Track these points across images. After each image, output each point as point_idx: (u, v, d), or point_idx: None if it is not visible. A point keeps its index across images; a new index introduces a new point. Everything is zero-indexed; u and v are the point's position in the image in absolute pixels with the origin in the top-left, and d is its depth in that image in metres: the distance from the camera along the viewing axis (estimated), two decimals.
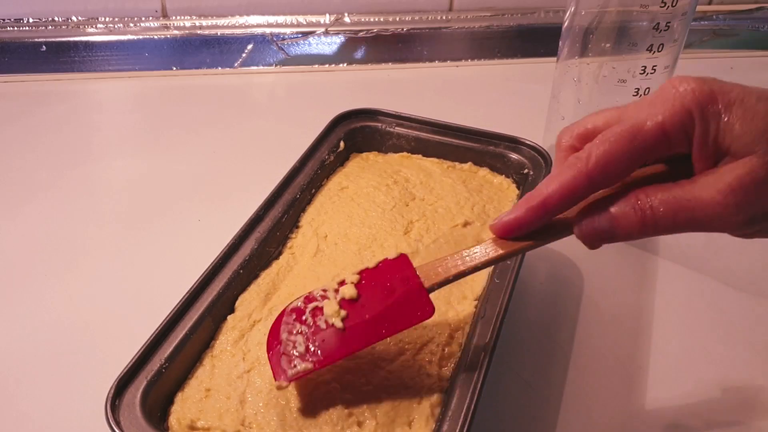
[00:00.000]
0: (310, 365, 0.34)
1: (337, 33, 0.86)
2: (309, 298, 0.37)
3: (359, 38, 0.86)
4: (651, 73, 0.51)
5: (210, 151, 0.69)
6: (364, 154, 0.58)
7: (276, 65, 0.85)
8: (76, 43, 0.82)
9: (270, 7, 0.86)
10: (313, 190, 0.53)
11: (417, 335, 0.40)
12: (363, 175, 0.55)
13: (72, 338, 0.48)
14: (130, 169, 0.67)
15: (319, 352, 0.34)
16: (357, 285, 0.36)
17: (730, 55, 0.89)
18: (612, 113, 0.33)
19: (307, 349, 0.35)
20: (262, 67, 0.85)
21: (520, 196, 0.53)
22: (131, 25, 0.84)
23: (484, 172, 0.56)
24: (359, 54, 0.87)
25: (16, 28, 0.82)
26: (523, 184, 0.53)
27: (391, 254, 0.37)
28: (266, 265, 0.47)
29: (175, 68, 0.84)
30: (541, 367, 0.47)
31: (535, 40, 0.89)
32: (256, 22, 0.85)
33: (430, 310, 0.35)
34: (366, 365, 0.39)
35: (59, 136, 0.72)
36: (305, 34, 0.86)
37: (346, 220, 0.50)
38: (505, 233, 0.34)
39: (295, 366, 0.34)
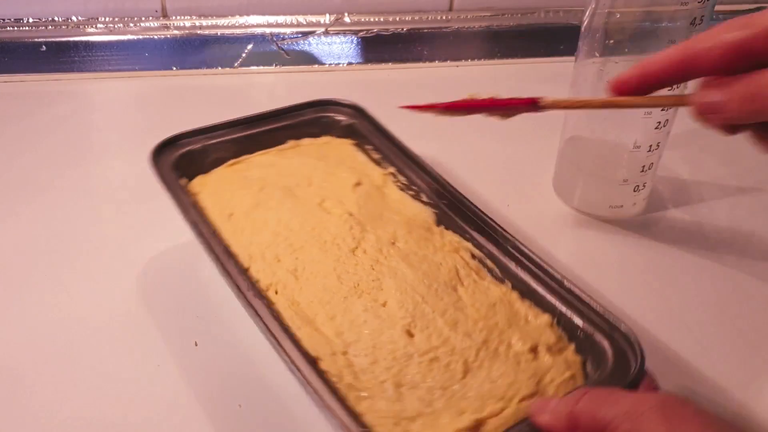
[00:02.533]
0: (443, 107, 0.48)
1: (337, 33, 0.86)
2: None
3: (359, 38, 0.86)
4: None
5: None
6: (196, 182, 0.53)
7: (276, 65, 0.85)
8: (76, 43, 0.82)
9: (270, 7, 0.86)
10: (217, 234, 0.48)
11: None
12: (224, 197, 0.51)
13: (72, 337, 0.48)
14: (130, 169, 0.67)
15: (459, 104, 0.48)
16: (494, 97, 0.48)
17: None
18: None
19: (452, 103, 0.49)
20: (262, 67, 0.85)
21: (359, 147, 0.57)
22: (131, 25, 0.84)
23: (307, 141, 0.57)
24: (359, 54, 0.87)
25: (15, 28, 0.82)
26: (353, 134, 0.57)
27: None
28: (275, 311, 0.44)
29: (175, 68, 0.84)
30: None
31: (535, 40, 0.89)
32: (256, 22, 0.85)
33: (528, 103, 0.45)
34: None
35: (59, 136, 0.72)
36: (305, 34, 0.86)
37: (273, 236, 0.48)
38: (616, 91, 0.38)
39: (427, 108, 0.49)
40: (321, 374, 0.38)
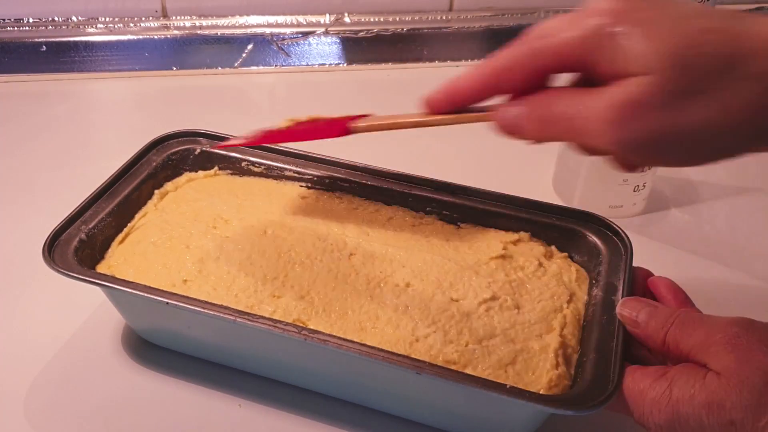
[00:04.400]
0: (243, 141, 0.47)
1: (337, 33, 0.86)
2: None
3: (359, 38, 0.86)
4: None
5: None
6: (101, 270, 0.47)
7: (276, 65, 0.85)
8: (76, 43, 0.82)
9: (270, 7, 0.86)
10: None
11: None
12: (157, 269, 0.46)
13: (65, 338, 0.48)
14: None
15: (259, 136, 0.46)
16: (312, 119, 0.45)
17: None
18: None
19: (257, 135, 0.46)
20: (262, 67, 0.85)
21: (225, 168, 0.55)
22: (131, 25, 0.84)
23: (170, 185, 0.53)
24: (359, 54, 0.87)
25: (16, 28, 0.82)
26: (213, 159, 0.55)
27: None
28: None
29: (175, 68, 0.84)
30: None
31: None
32: (256, 22, 0.85)
33: (340, 131, 0.42)
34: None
35: (59, 136, 0.72)
36: (305, 34, 0.86)
37: (251, 276, 0.45)
38: (427, 109, 0.39)
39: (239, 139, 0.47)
40: (431, 366, 0.38)
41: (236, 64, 0.85)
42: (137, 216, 0.50)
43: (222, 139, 0.54)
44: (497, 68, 0.34)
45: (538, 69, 0.33)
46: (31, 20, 0.82)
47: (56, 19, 0.83)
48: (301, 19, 0.86)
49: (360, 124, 0.41)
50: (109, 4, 0.83)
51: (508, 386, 0.37)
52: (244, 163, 0.54)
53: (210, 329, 0.44)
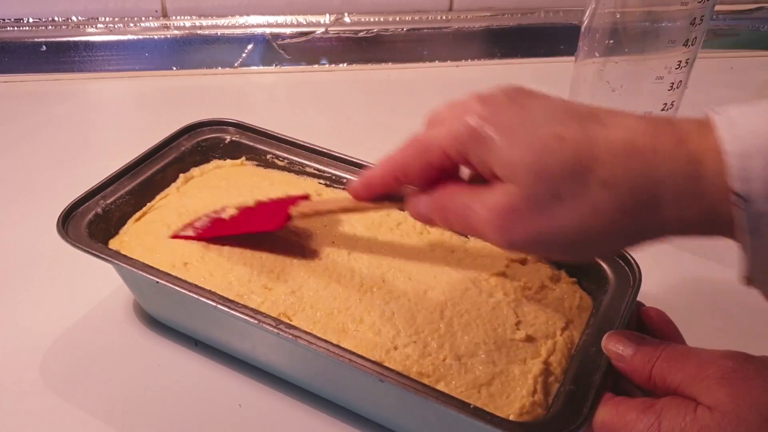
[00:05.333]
0: (192, 233, 0.47)
1: (337, 33, 0.86)
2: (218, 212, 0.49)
3: (359, 38, 0.86)
4: (684, 66, 0.51)
5: None
6: (113, 245, 0.48)
7: (276, 65, 0.85)
8: (76, 43, 0.82)
9: (270, 7, 0.86)
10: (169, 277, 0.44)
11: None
12: (162, 249, 0.47)
13: (65, 338, 0.48)
14: None
15: (204, 226, 0.47)
16: (258, 203, 0.48)
17: (729, 54, 0.89)
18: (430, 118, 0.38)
19: (201, 225, 0.48)
20: (262, 67, 0.85)
21: (253, 160, 0.56)
22: (131, 25, 0.84)
23: (197, 171, 0.55)
24: (359, 54, 0.87)
25: (16, 28, 0.82)
26: (241, 150, 0.56)
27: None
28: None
29: (175, 68, 0.84)
30: None
31: (535, 40, 0.89)
32: (256, 22, 0.85)
33: (280, 222, 0.44)
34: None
35: (59, 136, 0.72)
36: (305, 34, 0.86)
37: (251, 270, 0.45)
38: (353, 195, 0.40)
39: (185, 230, 0.47)
40: (396, 374, 0.37)
41: (236, 64, 0.85)
42: (158, 197, 0.52)
43: (253, 131, 0.57)
44: (396, 164, 0.36)
45: (429, 164, 0.35)
46: (31, 20, 0.82)
47: (56, 19, 0.83)
48: (301, 19, 0.86)
49: (298, 211, 0.44)
50: (109, 4, 0.83)
51: (471, 406, 0.36)
52: (269, 156, 0.56)
53: (198, 314, 0.45)
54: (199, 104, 0.78)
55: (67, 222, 0.46)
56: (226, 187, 0.53)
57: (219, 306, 0.40)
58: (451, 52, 0.88)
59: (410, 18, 0.88)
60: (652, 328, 0.41)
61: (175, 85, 0.82)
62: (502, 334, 0.42)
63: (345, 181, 0.53)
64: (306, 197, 0.44)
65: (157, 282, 0.42)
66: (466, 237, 0.49)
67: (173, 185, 0.53)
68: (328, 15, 0.86)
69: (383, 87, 0.83)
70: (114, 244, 0.48)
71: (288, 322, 0.41)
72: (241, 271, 0.45)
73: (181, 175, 0.54)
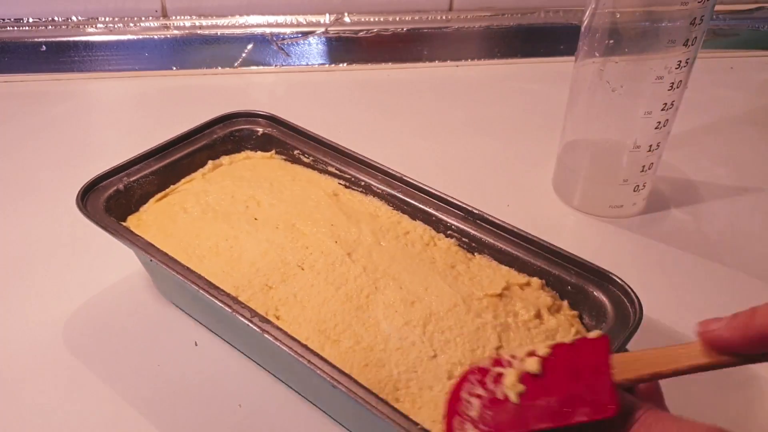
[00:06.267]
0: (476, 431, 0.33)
1: (337, 33, 0.86)
2: (496, 361, 0.35)
3: (359, 38, 0.86)
4: (684, 66, 0.51)
5: None
6: (131, 221, 0.50)
7: (276, 65, 0.85)
8: (76, 42, 0.82)
9: (270, 7, 0.86)
10: (178, 267, 0.44)
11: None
12: (174, 234, 0.49)
13: (64, 338, 0.48)
14: None
15: (488, 420, 0.33)
16: (545, 360, 0.33)
17: (729, 54, 0.89)
18: None
19: (480, 414, 0.33)
20: (262, 67, 0.85)
21: (282, 154, 0.56)
22: (131, 25, 0.84)
23: (226, 159, 0.56)
24: (359, 54, 0.87)
25: (15, 28, 0.82)
26: (272, 143, 0.56)
27: (591, 334, 0.34)
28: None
29: (175, 68, 0.84)
30: None
31: (535, 40, 0.89)
32: (256, 22, 0.85)
33: (612, 408, 0.31)
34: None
35: (59, 136, 0.72)
36: (305, 34, 0.86)
37: (251, 264, 0.46)
38: (716, 348, 0.30)
39: (465, 429, 0.33)
40: (368, 390, 0.36)
41: (236, 64, 0.85)
42: (183, 180, 0.53)
43: (285, 125, 0.57)
44: None
45: None
46: (30, 20, 0.82)
47: (56, 18, 0.83)
48: (301, 18, 0.86)
49: (624, 379, 0.32)
50: (109, 4, 0.83)
51: (418, 426, 0.34)
52: (296, 152, 0.56)
53: (189, 297, 0.46)
54: (199, 104, 0.78)
55: (87, 195, 0.48)
56: (249, 177, 0.54)
57: (201, 291, 0.41)
58: (451, 52, 0.88)
59: (410, 18, 0.88)
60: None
61: (175, 85, 0.82)
62: (480, 356, 0.40)
63: (363, 183, 0.53)
64: (605, 342, 0.33)
65: (150, 260, 0.43)
66: (473, 254, 0.48)
67: (200, 171, 0.55)
68: (328, 15, 0.86)
69: (383, 87, 0.83)
70: (132, 220, 0.50)
71: (266, 317, 0.40)
72: (245, 268, 0.46)
73: (210, 161, 0.55)
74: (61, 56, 0.82)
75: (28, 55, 0.81)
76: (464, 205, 0.50)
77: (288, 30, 0.85)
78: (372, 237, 0.49)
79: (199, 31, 0.84)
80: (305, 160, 0.56)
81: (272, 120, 0.58)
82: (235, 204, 0.51)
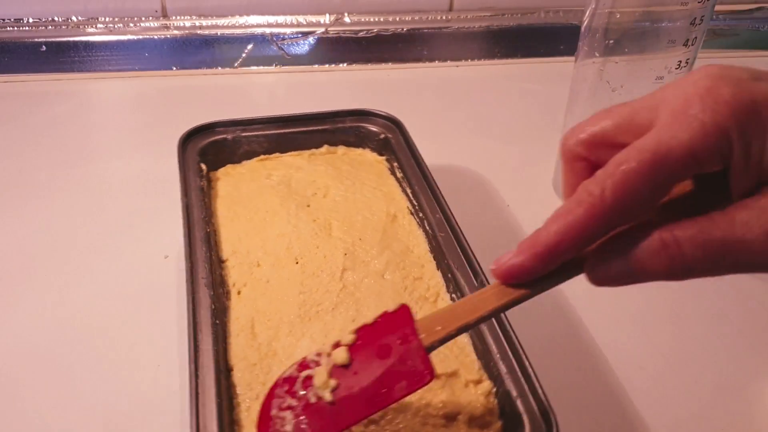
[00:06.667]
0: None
1: (337, 33, 0.86)
2: (302, 365, 0.33)
3: (359, 38, 0.86)
4: (684, 66, 0.51)
5: None
6: (223, 170, 0.55)
7: (276, 65, 0.85)
8: (76, 43, 0.82)
9: (270, 7, 0.86)
10: (212, 220, 0.50)
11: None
12: (241, 192, 0.53)
13: (66, 337, 0.48)
14: (130, 169, 0.67)
15: (305, 430, 0.31)
16: (351, 347, 0.32)
17: (729, 54, 0.89)
18: (622, 114, 0.28)
19: (296, 427, 0.31)
20: (262, 67, 0.85)
21: (389, 162, 0.54)
22: (131, 25, 0.84)
23: (342, 149, 0.57)
24: (359, 54, 0.87)
25: (15, 28, 0.82)
26: (387, 149, 0.55)
27: (391, 307, 0.33)
28: (225, 308, 0.44)
29: (175, 68, 0.84)
30: None
31: (535, 40, 0.89)
32: (256, 22, 0.85)
33: (428, 375, 0.30)
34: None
35: (59, 136, 0.72)
36: (305, 34, 0.86)
37: (265, 241, 0.48)
38: (510, 279, 0.29)
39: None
40: (221, 385, 0.36)
41: (236, 64, 0.85)
42: (290, 152, 0.56)
43: (408, 144, 0.56)
44: (614, 199, 0.26)
45: (662, 184, 0.26)
46: (30, 20, 0.82)
47: (56, 19, 0.83)
48: (301, 19, 0.86)
49: (435, 338, 0.31)
50: (109, 4, 0.83)
51: None
52: (395, 164, 0.56)
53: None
54: (199, 104, 0.78)
55: (193, 134, 0.53)
56: (344, 171, 0.54)
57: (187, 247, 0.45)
58: (451, 52, 0.88)
59: (410, 18, 0.88)
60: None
61: (175, 85, 0.82)
62: None
63: (422, 215, 0.50)
64: (406, 311, 0.32)
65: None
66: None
67: (311, 150, 0.57)
68: (328, 15, 0.86)
69: (383, 87, 0.83)
70: (226, 168, 0.55)
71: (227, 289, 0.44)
72: (255, 241, 0.48)
73: (326, 145, 0.56)
74: (61, 56, 0.82)
75: (28, 55, 0.81)
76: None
77: (288, 30, 0.85)
78: (382, 267, 0.47)
79: (199, 31, 0.84)
80: (398, 174, 0.55)
81: (399, 128, 0.57)
82: (309, 187, 0.53)
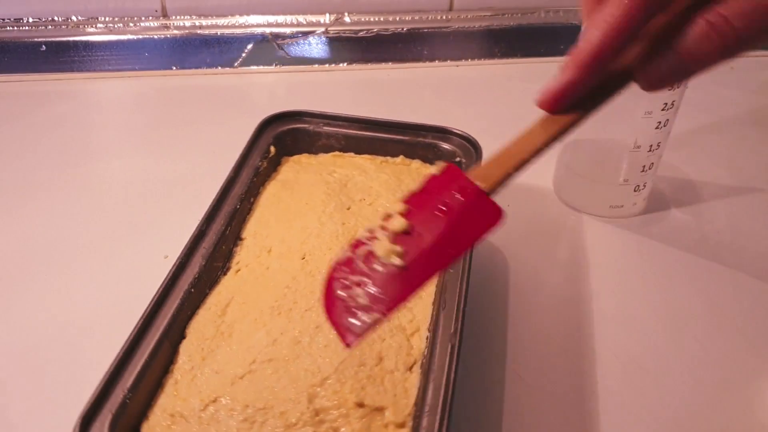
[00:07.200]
0: (378, 315, 0.29)
1: (337, 33, 0.86)
2: (356, 244, 0.32)
3: (359, 38, 0.86)
4: None
5: (210, 150, 0.69)
6: (296, 157, 0.57)
7: (276, 65, 0.85)
8: (75, 42, 0.82)
9: (270, 7, 0.86)
10: (252, 200, 0.52)
11: (374, 347, 0.40)
12: (299, 180, 0.54)
13: (64, 338, 0.48)
14: (130, 169, 0.67)
15: (384, 298, 0.29)
16: (406, 215, 0.31)
17: None
18: None
19: (372, 298, 0.30)
20: (262, 67, 0.85)
21: None
22: (131, 24, 0.83)
23: (416, 164, 0.56)
24: (359, 54, 0.86)
25: (15, 28, 0.82)
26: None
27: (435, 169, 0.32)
28: (215, 281, 0.45)
29: (174, 68, 0.84)
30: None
31: (535, 40, 0.89)
32: (255, 22, 0.85)
33: (498, 213, 0.30)
34: (330, 383, 0.38)
35: (59, 136, 0.72)
36: (305, 34, 0.85)
37: (289, 230, 0.49)
38: (558, 105, 0.29)
39: (363, 321, 0.29)
40: (161, 348, 0.39)
41: (236, 64, 0.85)
42: (363, 155, 0.56)
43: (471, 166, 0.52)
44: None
45: None
46: (30, 20, 0.82)
47: (56, 18, 0.83)
48: (301, 18, 0.86)
49: (494, 180, 0.31)
50: (109, 4, 0.83)
51: None
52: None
53: None
54: (199, 104, 0.78)
55: (272, 122, 0.57)
56: (402, 182, 0.54)
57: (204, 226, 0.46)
58: (451, 51, 0.88)
59: (410, 18, 0.88)
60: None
61: (175, 85, 0.82)
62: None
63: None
64: (454, 168, 0.32)
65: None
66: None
67: (383, 157, 0.56)
68: (328, 15, 0.86)
69: (383, 87, 0.82)
70: (302, 156, 0.57)
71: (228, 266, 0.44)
72: (281, 229, 0.49)
73: (402, 156, 0.56)
74: (61, 56, 0.82)
75: (28, 55, 0.81)
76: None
77: (288, 30, 0.85)
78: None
79: (199, 31, 0.84)
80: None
81: (476, 151, 0.54)
82: (361, 191, 0.53)
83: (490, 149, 0.73)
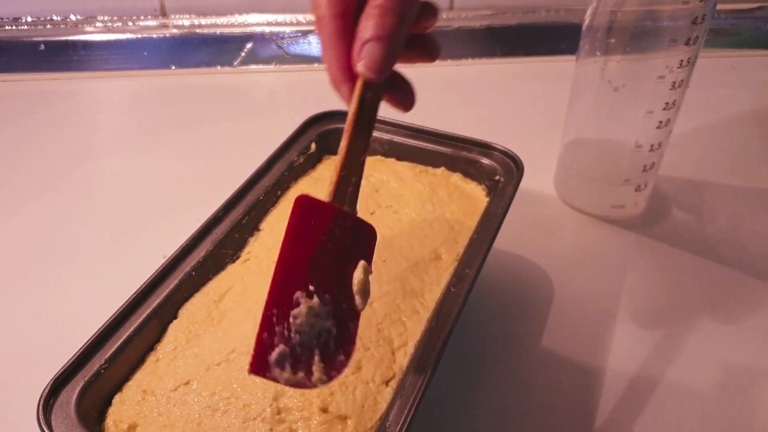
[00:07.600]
0: (299, 381, 0.31)
1: None
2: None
3: None
4: (686, 65, 0.51)
5: (209, 150, 0.69)
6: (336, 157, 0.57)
7: (275, 64, 0.85)
8: (74, 42, 0.82)
9: (269, 6, 0.85)
10: (279, 193, 0.52)
11: (355, 355, 0.37)
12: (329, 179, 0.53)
13: (66, 337, 0.48)
14: (130, 168, 0.67)
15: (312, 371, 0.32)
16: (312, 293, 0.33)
17: (731, 54, 0.89)
18: None
19: (302, 365, 0.32)
20: (261, 66, 0.85)
21: (491, 205, 0.49)
22: (130, 24, 0.83)
23: (456, 177, 0.54)
24: None
25: (14, 28, 0.82)
26: (494, 191, 0.51)
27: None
28: (220, 268, 0.46)
29: (174, 67, 0.83)
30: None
31: (535, 39, 0.88)
32: (255, 21, 0.85)
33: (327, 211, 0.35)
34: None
35: (58, 135, 0.72)
36: (305, 33, 0.85)
37: None
38: (346, 73, 0.37)
39: (283, 376, 0.31)
40: (148, 327, 0.40)
41: (235, 63, 0.84)
42: (404, 163, 0.55)
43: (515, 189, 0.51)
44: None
45: None
46: (29, 19, 0.82)
47: (54, 18, 0.83)
48: (300, 17, 0.86)
49: (329, 192, 0.36)
50: (108, 3, 0.82)
51: None
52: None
53: None
54: (198, 103, 0.78)
55: (320, 120, 0.56)
56: (439, 195, 0.52)
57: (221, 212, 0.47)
58: (451, 51, 0.87)
59: None
60: None
61: (174, 85, 0.81)
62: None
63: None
64: (300, 199, 0.35)
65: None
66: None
67: (424, 167, 0.55)
68: None
69: None
70: (335, 158, 0.54)
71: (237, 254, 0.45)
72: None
73: (443, 167, 0.55)
74: (59, 55, 0.82)
75: (26, 54, 0.81)
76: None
77: (287, 29, 0.85)
78: (380, 294, 0.44)
79: (198, 30, 0.84)
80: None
81: (518, 169, 0.52)
82: (391, 198, 0.52)
83: None
